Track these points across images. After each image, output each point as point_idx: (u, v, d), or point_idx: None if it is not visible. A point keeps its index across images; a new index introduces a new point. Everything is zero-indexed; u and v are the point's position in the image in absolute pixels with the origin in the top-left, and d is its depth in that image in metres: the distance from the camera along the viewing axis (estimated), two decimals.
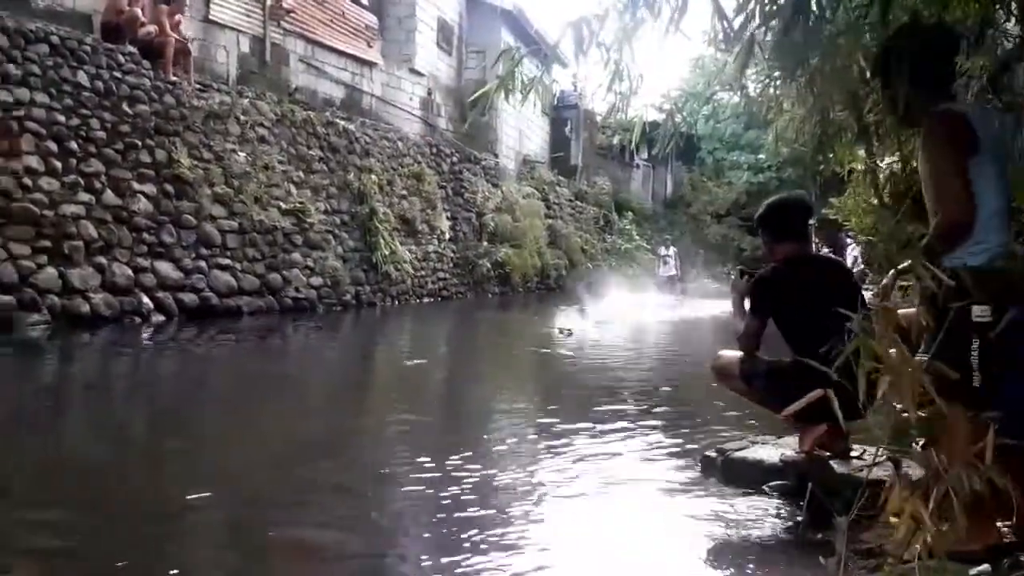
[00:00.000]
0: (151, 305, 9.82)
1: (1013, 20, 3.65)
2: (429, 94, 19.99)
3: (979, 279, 2.18)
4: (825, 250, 11.36)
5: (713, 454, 3.61)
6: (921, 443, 2.02)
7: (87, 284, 9.16)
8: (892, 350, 1.68)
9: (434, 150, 18.43)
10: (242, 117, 12.46)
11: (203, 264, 10.88)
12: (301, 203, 12.97)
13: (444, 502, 3.24)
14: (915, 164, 3.29)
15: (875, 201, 3.93)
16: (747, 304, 3.58)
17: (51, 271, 8.83)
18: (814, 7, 3.14)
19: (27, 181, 8.87)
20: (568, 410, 5.32)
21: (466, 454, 3.95)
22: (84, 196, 9.51)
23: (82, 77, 9.87)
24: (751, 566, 2.66)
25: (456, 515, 3.08)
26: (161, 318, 9.84)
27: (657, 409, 5.49)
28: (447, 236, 17.56)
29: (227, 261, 11.25)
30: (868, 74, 3.18)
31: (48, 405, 5.59)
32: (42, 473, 3.69)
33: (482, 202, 19.63)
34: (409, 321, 13.33)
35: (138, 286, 9.81)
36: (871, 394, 1.77)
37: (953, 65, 2.61)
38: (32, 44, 9.34)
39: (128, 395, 6.26)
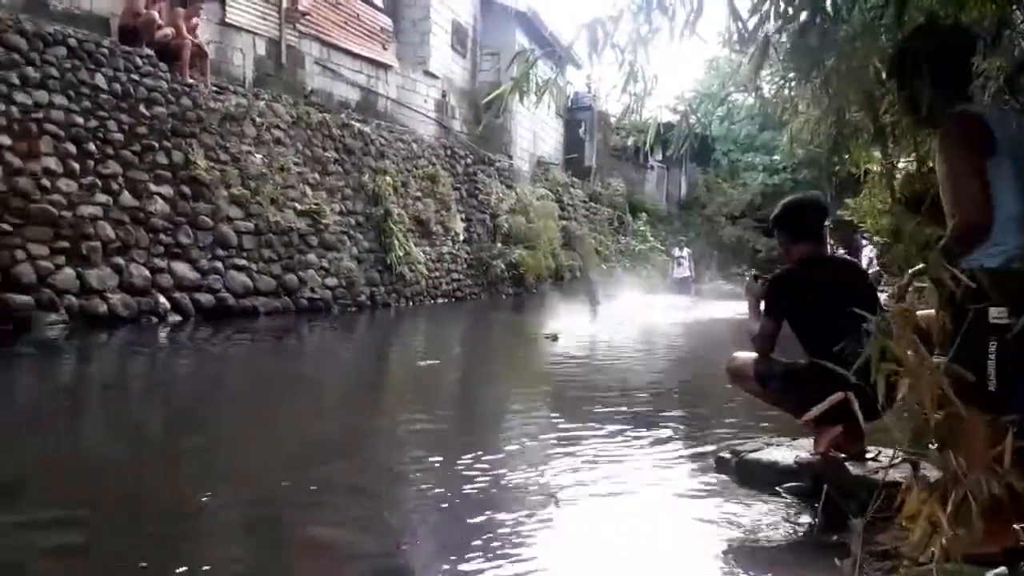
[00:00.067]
0: (168, 305, 9.89)
1: None
2: (443, 96, 20.02)
3: (996, 281, 2.17)
4: (840, 251, 11.32)
5: (727, 455, 3.60)
6: (937, 445, 2.01)
7: (105, 284, 9.23)
8: (911, 352, 1.67)
9: (448, 152, 18.47)
10: (258, 119, 12.52)
11: (219, 265, 10.95)
12: (317, 204, 13.03)
13: (457, 502, 3.25)
14: (931, 165, 3.28)
15: (890, 202, 3.91)
16: (762, 306, 3.58)
17: (69, 271, 8.90)
18: (829, 9, 3.14)
19: (46, 182, 8.95)
20: (580, 411, 5.32)
21: (479, 455, 3.96)
22: (102, 197, 9.59)
23: (100, 79, 9.94)
24: (765, 568, 2.65)
25: (468, 515, 3.09)
26: (178, 318, 9.91)
27: (670, 410, 5.48)
28: (461, 237, 17.58)
29: (243, 262, 11.32)
30: (884, 75, 3.17)
31: (66, 405, 5.64)
32: (60, 472, 3.72)
33: (496, 203, 19.64)
34: (423, 322, 13.36)
35: (155, 286, 9.88)
36: (889, 396, 1.76)
37: (970, 66, 2.60)
38: (51, 47, 9.42)
39: (145, 395, 6.30)
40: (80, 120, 9.55)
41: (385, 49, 17.70)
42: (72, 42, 9.71)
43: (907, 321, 1.71)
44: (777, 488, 3.30)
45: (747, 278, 3.80)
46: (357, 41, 16.71)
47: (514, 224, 19.63)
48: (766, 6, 3.27)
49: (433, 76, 19.42)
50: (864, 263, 11.66)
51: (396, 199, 15.26)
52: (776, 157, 30.44)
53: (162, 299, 9.86)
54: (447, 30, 20.09)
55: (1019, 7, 3.55)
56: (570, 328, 11.07)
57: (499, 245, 19.06)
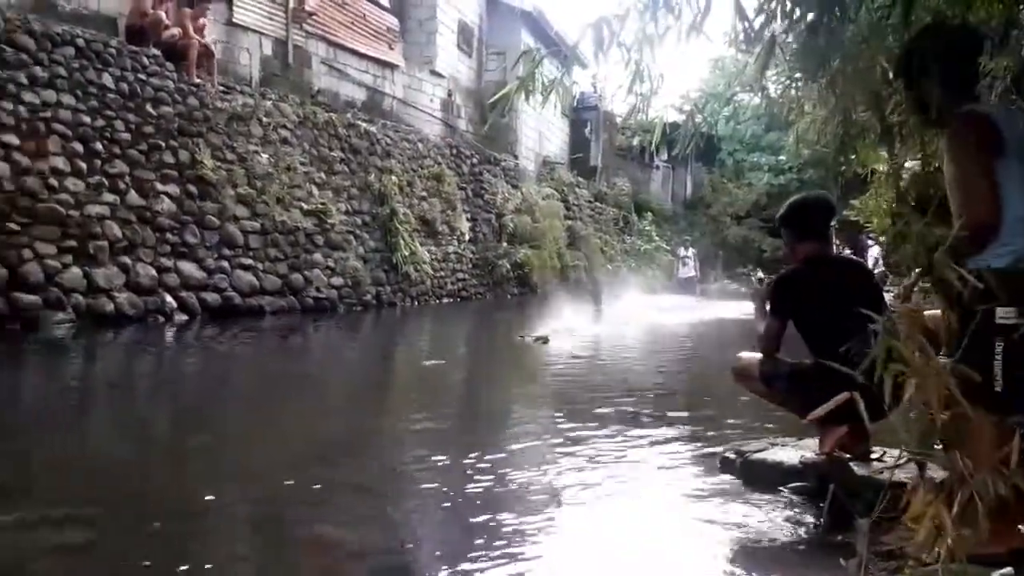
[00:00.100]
0: (174, 304, 9.92)
1: None
2: (449, 96, 20.03)
3: (1004, 281, 2.16)
4: (846, 251, 11.30)
5: (732, 455, 3.60)
6: (943, 446, 2.01)
7: (111, 283, 9.26)
8: (918, 353, 1.67)
9: (454, 151, 18.48)
10: (265, 119, 12.55)
11: (226, 264, 10.97)
12: (323, 204, 13.05)
13: (461, 501, 3.26)
14: (938, 165, 3.28)
15: (895, 203, 3.90)
16: (767, 306, 3.58)
17: (76, 271, 8.93)
18: (836, 9, 3.14)
19: (53, 182, 8.98)
20: (584, 411, 5.32)
21: (483, 454, 3.96)
22: (109, 197, 9.62)
23: (107, 79, 9.97)
24: (770, 568, 2.65)
25: (472, 515, 3.09)
26: (184, 317, 9.93)
27: (675, 410, 5.48)
28: (467, 237, 17.59)
29: (249, 261, 11.34)
30: (891, 75, 3.17)
31: (73, 403, 5.65)
32: (66, 470, 3.74)
33: (502, 203, 19.65)
34: (428, 321, 13.37)
35: (162, 286, 9.91)
36: (896, 396, 1.76)
37: (977, 66, 2.59)
38: (58, 47, 9.45)
39: (151, 393, 6.32)
40: (87, 120, 9.58)
41: (391, 49, 17.72)
42: (80, 42, 9.74)
43: (914, 322, 1.71)
44: (782, 488, 3.30)
45: (753, 279, 3.81)
46: (363, 41, 16.73)
47: (519, 224, 19.63)
48: (772, 5, 3.27)
49: (439, 76, 19.44)
50: (870, 263, 11.63)
51: (402, 199, 15.28)
52: (782, 157, 30.44)
53: (168, 298, 9.89)
54: (453, 30, 20.11)
55: None
56: (574, 328, 11.08)
57: (504, 245, 19.06)
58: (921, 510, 1.67)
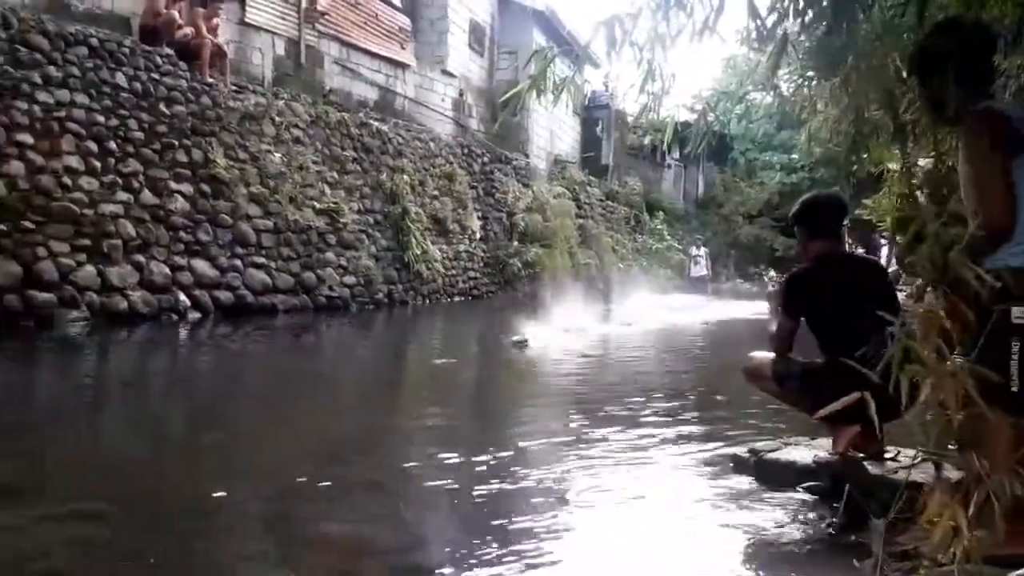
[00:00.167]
0: (188, 303, 9.96)
1: None
2: (461, 95, 20.04)
3: (1020, 280, 2.15)
4: (859, 250, 11.24)
5: (746, 455, 3.59)
6: (958, 446, 2.00)
7: (125, 282, 9.30)
8: (934, 353, 1.66)
9: (465, 150, 18.49)
10: (277, 118, 12.58)
11: (239, 263, 11.01)
12: (335, 203, 13.08)
13: (472, 500, 3.26)
14: (951, 164, 3.26)
15: (901, 200, 3.89)
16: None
17: (90, 269, 8.97)
18: (850, 8, 3.13)
19: (67, 180, 9.03)
20: (595, 410, 5.32)
21: (493, 453, 3.97)
22: (123, 195, 9.66)
23: (120, 78, 10.02)
24: (783, 568, 2.64)
25: (484, 514, 3.10)
26: (197, 315, 9.97)
27: (687, 410, 5.47)
28: (478, 236, 17.60)
29: (262, 260, 11.38)
30: (904, 73, 3.16)
31: (87, 401, 5.69)
32: (80, 467, 3.76)
33: (513, 202, 19.65)
34: (440, 320, 13.39)
35: (175, 284, 9.95)
36: (912, 396, 1.75)
37: (991, 63, 2.58)
38: (72, 47, 9.50)
39: (165, 391, 6.35)
40: (101, 119, 9.63)
41: (403, 48, 17.74)
42: (93, 42, 9.79)
43: (931, 322, 1.70)
44: (795, 488, 3.29)
45: (766, 279, 3.80)
46: (375, 41, 16.75)
47: (531, 222, 19.62)
48: (785, 4, 3.26)
49: (451, 75, 19.45)
50: (883, 262, 11.55)
51: (413, 198, 15.30)
52: (794, 156, 30.34)
53: (182, 296, 9.93)
54: (465, 29, 20.11)
55: None
56: (585, 327, 11.07)
57: (515, 243, 19.06)
58: (938, 511, 1.66)
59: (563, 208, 21.43)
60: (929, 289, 2.31)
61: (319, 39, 15.07)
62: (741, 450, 3.71)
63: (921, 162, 4.04)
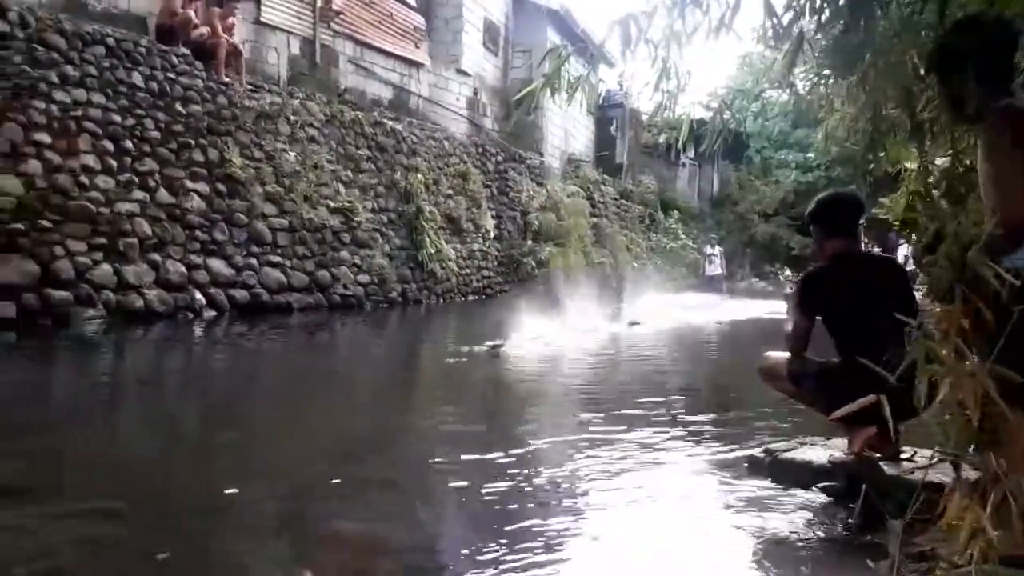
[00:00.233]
0: (203, 301, 10.01)
1: None
2: (475, 94, 20.05)
3: None
4: (876, 250, 11.18)
5: (761, 454, 3.57)
6: (975, 446, 1.99)
7: (141, 280, 9.35)
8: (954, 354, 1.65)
9: (480, 149, 18.51)
10: (292, 117, 12.63)
11: (254, 261, 11.06)
12: (349, 202, 13.12)
13: (485, 499, 3.26)
14: (968, 162, 3.23)
15: (913, 197, 3.87)
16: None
17: (107, 267, 9.03)
18: (867, 5, 3.11)
19: (84, 179, 9.09)
20: (608, 409, 5.30)
21: (507, 451, 3.97)
22: (139, 194, 9.72)
23: (137, 78, 10.08)
24: (799, 568, 2.63)
25: (497, 513, 3.10)
26: (213, 314, 10.02)
27: (701, 409, 5.45)
28: (492, 235, 17.61)
29: (277, 258, 11.43)
30: (923, 71, 3.13)
31: (103, 399, 5.72)
32: (95, 466, 3.77)
33: (527, 201, 19.65)
34: (454, 319, 13.40)
35: (191, 282, 10.00)
36: (930, 396, 1.74)
37: (1012, 60, 2.55)
38: (89, 46, 9.56)
39: (181, 390, 6.38)
40: (118, 118, 9.68)
41: (418, 47, 17.76)
42: (110, 41, 9.85)
43: (950, 322, 1.69)
44: (811, 487, 3.27)
45: (782, 279, 3.79)
46: (390, 40, 16.79)
47: (544, 221, 19.61)
48: (801, 2, 3.25)
49: (465, 74, 19.46)
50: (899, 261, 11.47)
51: (428, 197, 15.32)
52: (810, 154, 30.19)
53: (198, 295, 9.98)
54: (479, 28, 20.12)
55: None
56: (598, 326, 11.06)
57: (529, 242, 19.06)
58: (959, 512, 1.64)
59: (577, 207, 21.41)
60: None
61: (334, 38, 15.11)
62: (756, 450, 3.69)
63: (938, 161, 4.01)
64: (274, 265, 11.35)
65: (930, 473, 2.22)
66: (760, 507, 3.17)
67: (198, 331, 9.18)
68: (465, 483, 3.48)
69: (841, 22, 3.35)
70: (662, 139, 28.49)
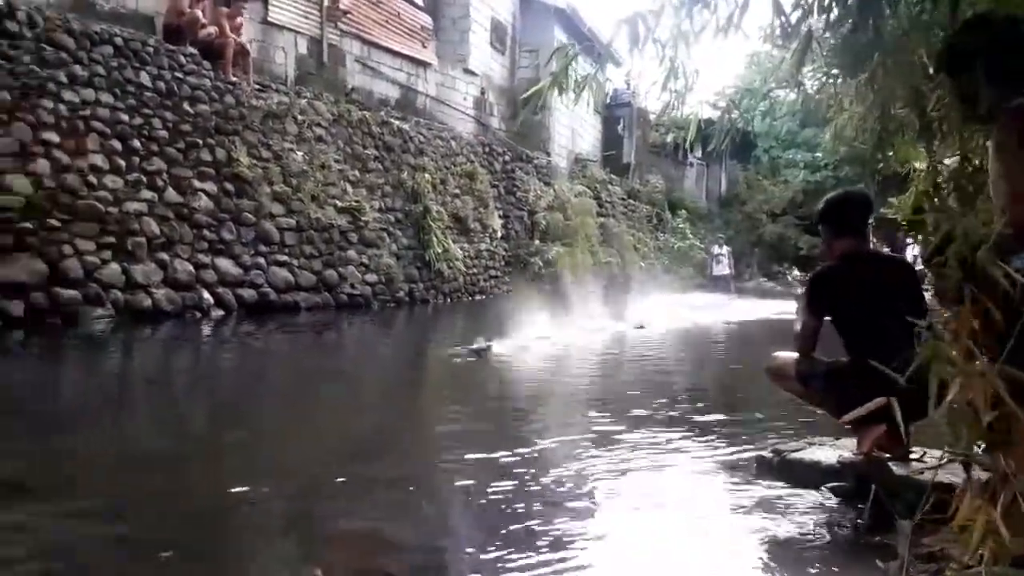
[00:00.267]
0: (211, 300, 10.04)
1: None
2: (482, 93, 20.05)
3: None
4: (885, 249, 11.16)
5: (769, 455, 3.56)
6: (985, 446, 1.97)
7: (150, 279, 9.38)
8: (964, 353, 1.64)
9: (487, 149, 18.51)
10: (300, 117, 12.65)
11: (262, 260, 11.08)
12: (357, 201, 13.14)
13: (492, 498, 3.26)
14: (977, 162, 3.22)
15: (918, 200, 3.85)
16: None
17: (115, 267, 9.05)
18: (876, 4, 3.10)
19: (92, 179, 9.12)
20: (615, 409, 5.30)
21: (514, 451, 3.97)
22: (147, 194, 9.75)
23: (145, 78, 10.10)
24: (807, 568, 2.62)
25: (505, 513, 3.09)
26: (221, 313, 10.04)
27: (708, 410, 5.44)
28: (499, 234, 17.61)
29: (285, 258, 11.45)
30: (932, 70, 3.12)
31: (111, 398, 5.73)
32: (103, 465, 3.79)
33: (534, 200, 19.65)
34: (461, 318, 13.39)
35: (199, 282, 10.03)
36: (940, 396, 1.73)
37: (1023, 59, 2.53)
38: (97, 46, 9.59)
39: (189, 389, 6.39)
40: (126, 118, 9.71)
41: (425, 47, 17.78)
42: (118, 41, 9.88)
43: (961, 322, 1.68)
44: (819, 488, 3.26)
45: (790, 279, 3.77)
46: (397, 39, 16.80)
47: (552, 221, 19.61)
48: (809, 1, 3.23)
49: (472, 73, 19.47)
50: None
51: (435, 196, 15.33)
52: (818, 154, 30.13)
53: (206, 294, 10.01)
54: (486, 27, 20.13)
55: None
56: (604, 326, 11.05)
57: (536, 242, 19.06)
58: (971, 513, 1.63)
59: (584, 207, 21.40)
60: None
61: (341, 38, 15.13)
62: (765, 450, 3.68)
63: (947, 160, 4.00)
64: (282, 264, 11.37)
65: (940, 474, 2.21)
66: (769, 508, 3.16)
67: (206, 330, 9.20)
68: (471, 482, 3.48)
69: (850, 21, 3.33)
70: (670, 138, 28.47)
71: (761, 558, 2.69)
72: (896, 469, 3.11)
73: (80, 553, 2.64)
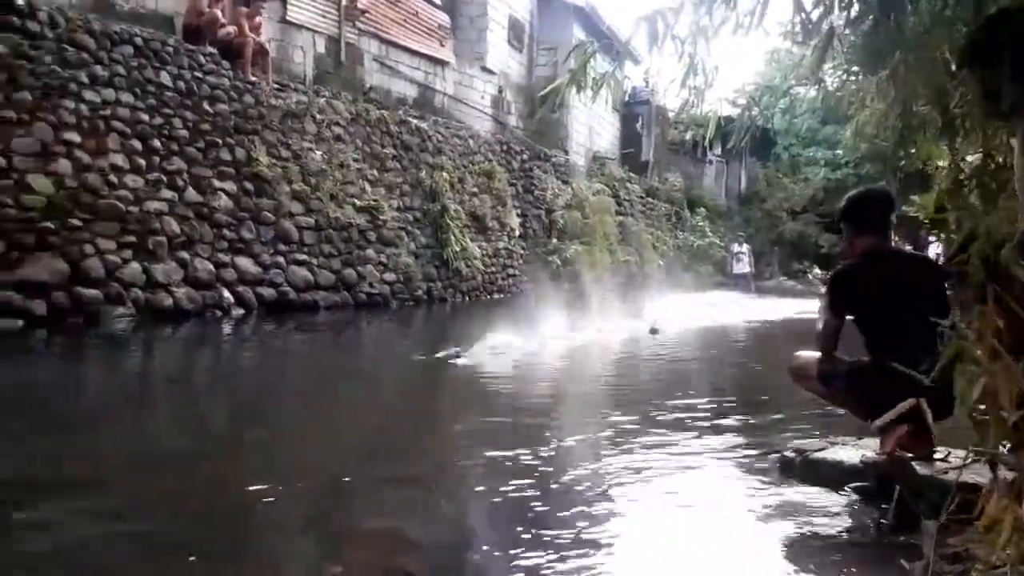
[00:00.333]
0: (231, 299, 10.10)
1: None
2: (500, 92, 20.05)
3: None
4: (907, 247, 11.07)
5: (792, 455, 3.54)
6: (1011, 446, 1.95)
7: (170, 278, 9.44)
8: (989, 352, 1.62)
9: (505, 148, 18.50)
10: (318, 116, 12.69)
11: (281, 260, 11.14)
12: (375, 200, 13.18)
13: (511, 497, 3.25)
14: (1001, 159, 3.18)
15: (940, 198, 3.81)
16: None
17: (136, 266, 9.12)
18: (899, 1, 3.07)
19: (113, 178, 9.19)
20: (635, 408, 5.27)
21: (534, 450, 3.96)
22: (167, 193, 9.81)
23: (165, 77, 10.17)
24: (831, 569, 2.60)
25: (522, 510, 3.09)
26: (241, 312, 10.10)
27: (731, 409, 5.41)
28: (517, 233, 17.61)
29: (304, 257, 11.50)
30: (954, 66, 3.08)
31: (132, 397, 5.77)
32: (123, 463, 3.81)
33: (552, 199, 19.63)
34: (479, 317, 13.38)
35: (219, 281, 10.09)
36: (965, 396, 1.71)
37: None
38: (117, 46, 9.66)
39: (209, 388, 6.43)
40: (146, 117, 9.78)
41: (442, 46, 17.79)
42: (138, 41, 9.95)
43: (986, 322, 1.66)
44: (842, 488, 3.24)
45: (811, 277, 3.75)
46: (415, 38, 16.82)
47: (570, 220, 19.59)
48: None
49: (490, 72, 19.47)
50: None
51: (453, 195, 15.34)
52: (839, 151, 29.90)
53: (226, 293, 10.06)
54: (504, 26, 20.12)
55: None
56: (624, 325, 11.01)
57: (555, 241, 19.04)
58: (998, 513, 1.62)
59: (602, 205, 21.36)
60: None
61: (359, 37, 15.17)
62: (787, 450, 3.66)
63: (970, 158, 3.95)
64: (301, 263, 11.42)
65: (964, 473, 2.19)
66: (792, 508, 3.14)
67: (226, 329, 9.25)
68: (490, 481, 3.47)
69: (871, 17, 3.30)
70: (688, 136, 28.35)
71: (784, 558, 2.67)
72: (920, 469, 3.08)
73: (102, 550, 2.66)
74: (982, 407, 1.73)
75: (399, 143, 14.47)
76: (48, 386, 5.75)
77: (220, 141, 10.73)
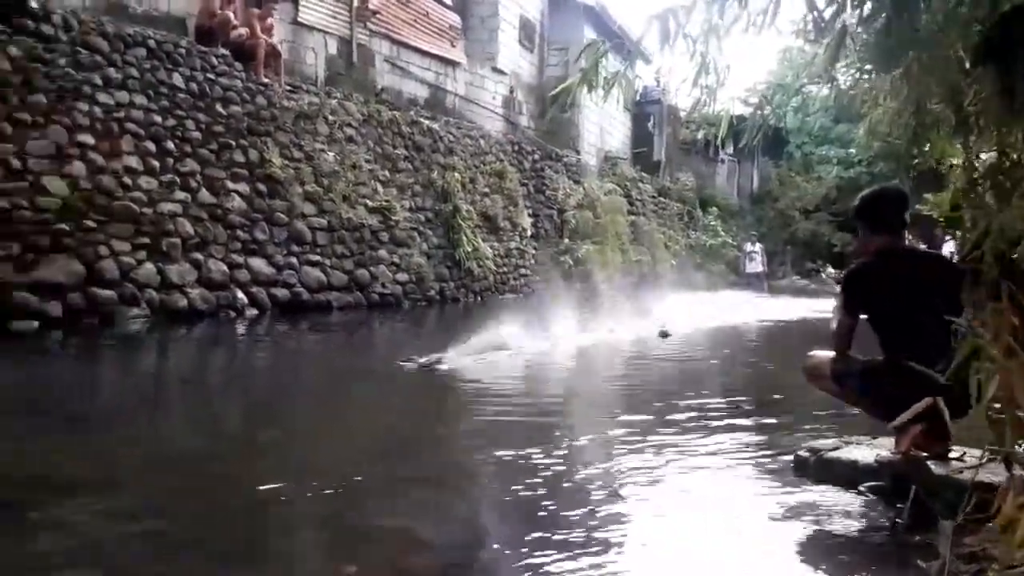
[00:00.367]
0: (245, 300, 10.14)
1: None
2: (511, 92, 20.05)
3: None
4: (922, 246, 11.01)
5: (806, 454, 3.53)
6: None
7: (184, 279, 9.49)
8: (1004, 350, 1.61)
9: (516, 148, 18.51)
10: (330, 117, 12.73)
11: (294, 260, 11.18)
12: (387, 201, 13.21)
13: (523, 497, 3.25)
14: (1016, 157, 3.16)
15: (955, 196, 3.79)
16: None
17: (150, 267, 9.16)
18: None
19: (127, 180, 9.24)
20: (647, 408, 5.27)
21: (545, 450, 3.96)
22: (181, 194, 9.86)
23: (177, 79, 10.22)
24: (846, 568, 2.59)
25: (534, 510, 3.09)
26: (254, 312, 10.14)
27: (744, 408, 5.40)
28: (528, 233, 17.61)
29: (317, 257, 11.54)
30: (969, 64, 3.07)
31: (147, 397, 5.80)
32: (137, 463, 3.82)
33: (563, 199, 19.62)
34: (491, 317, 13.38)
35: (233, 281, 10.13)
36: (981, 394, 1.70)
37: None
38: (130, 48, 9.72)
39: (223, 388, 6.45)
40: (159, 119, 9.83)
41: (453, 46, 17.81)
42: (151, 43, 10.00)
43: (1001, 319, 1.65)
44: (857, 487, 3.22)
45: (824, 276, 3.73)
46: (426, 39, 16.85)
47: (581, 219, 19.58)
48: None
49: (501, 72, 19.47)
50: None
51: (464, 195, 15.36)
52: (851, 150, 29.78)
53: (239, 294, 10.11)
54: (515, 26, 20.12)
55: None
56: (634, 325, 10.99)
57: (566, 241, 19.03)
58: (1014, 512, 1.61)
59: (614, 205, 21.34)
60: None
61: (370, 38, 15.20)
62: (801, 449, 3.65)
63: (984, 156, 3.93)
64: (314, 264, 11.46)
65: (980, 472, 2.17)
66: (806, 507, 3.13)
67: (240, 329, 9.29)
68: (503, 481, 3.48)
69: (884, 15, 3.28)
70: (700, 135, 28.31)
71: (799, 559, 2.66)
72: (935, 468, 3.07)
73: (116, 550, 2.67)
74: (997, 406, 1.72)
75: (411, 144, 14.50)
76: (63, 387, 5.79)
77: (233, 143, 10.78)
